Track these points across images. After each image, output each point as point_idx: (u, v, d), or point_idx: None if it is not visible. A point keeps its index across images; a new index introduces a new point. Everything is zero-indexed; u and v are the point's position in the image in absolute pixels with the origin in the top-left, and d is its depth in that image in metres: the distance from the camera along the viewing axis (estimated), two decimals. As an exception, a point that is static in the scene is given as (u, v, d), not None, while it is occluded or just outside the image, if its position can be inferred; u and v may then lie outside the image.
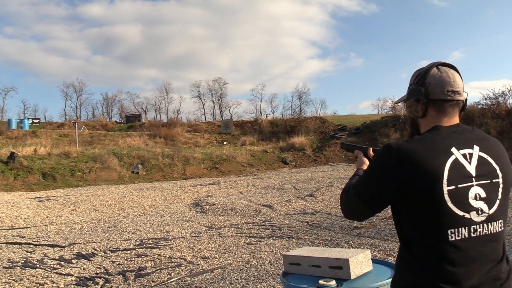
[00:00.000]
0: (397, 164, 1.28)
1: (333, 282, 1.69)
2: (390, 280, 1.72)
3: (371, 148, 1.81)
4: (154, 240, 6.25)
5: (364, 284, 1.69)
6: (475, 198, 1.28)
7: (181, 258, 5.22)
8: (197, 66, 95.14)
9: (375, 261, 1.97)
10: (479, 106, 22.46)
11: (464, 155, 1.30)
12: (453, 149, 1.30)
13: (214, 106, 66.70)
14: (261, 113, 60.21)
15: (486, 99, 23.08)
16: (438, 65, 1.44)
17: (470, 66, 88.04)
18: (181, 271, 4.72)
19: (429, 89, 1.40)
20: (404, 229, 1.34)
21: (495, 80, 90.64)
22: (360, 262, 1.80)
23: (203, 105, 66.21)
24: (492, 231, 1.30)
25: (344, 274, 1.75)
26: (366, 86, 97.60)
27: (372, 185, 1.36)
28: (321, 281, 1.70)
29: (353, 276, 1.74)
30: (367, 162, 1.73)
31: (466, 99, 1.46)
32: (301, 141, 25.81)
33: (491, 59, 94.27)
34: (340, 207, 1.52)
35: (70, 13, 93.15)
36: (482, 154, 1.33)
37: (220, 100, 66.87)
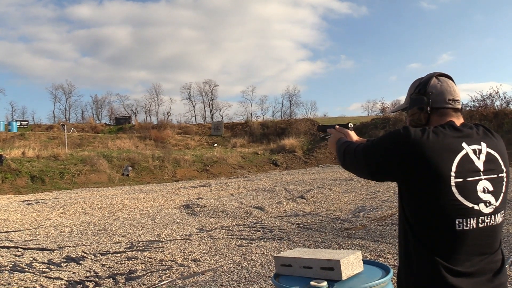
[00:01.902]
0: (406, 151, 1.33)
1: (325, 283, 1.70)
2: (381, 280, 1.73)
3: (337, 126, 1.90)
4: (144, 242, 6.21)
5: (355, 285, 1.70)
6: (483, 191, 1.35)
7: (172, 261, 5.20)
8: (187, 68, 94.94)
9: (366, 262, 1.97)
10: (467, 108, 22.77)
11: (474, 151, 1.37)
12: (464, 144, 1.36)
13: (204, 108, 66.53)
14: (251, 115, 60.23)
15: (474, 101, 23.45)
16: (437, 75, 1.52)
17: (458, 69, 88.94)
18: (172, 273, 4.70)
19: (432, 98, 1.48)
20: (409, 214, 1.39)
21: (483, 82, 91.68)
22: (351, 263, 1.81)
23: (194, 107, 66.08)
24: (498, 222, 1.39)
25: (335, 275, 1.75)
26: (356, 88, 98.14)
27: (377, 154, 1.42)
28: (312, 282, 1.71)
29: (344, 277, 1.75)
30: (346, 131, 1.81)
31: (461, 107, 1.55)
32: (292, 143, 25.90)
33: (479, 62, 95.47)
34: (340, 162, 1.65)
35: (58, 14, 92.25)
36: (489, 150, 1.40)
37: (211, 102, 66.75)
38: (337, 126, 1.88)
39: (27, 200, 11.73)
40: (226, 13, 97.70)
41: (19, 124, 36.80)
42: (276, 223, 7.41)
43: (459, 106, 1.50)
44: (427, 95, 1.48)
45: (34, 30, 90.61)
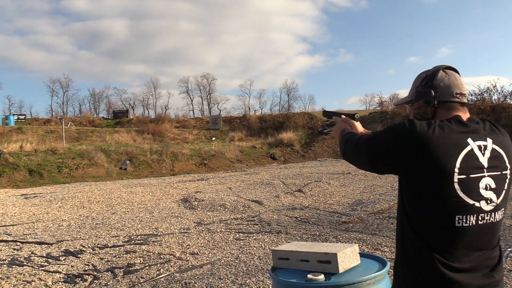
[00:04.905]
0: (411, 145, 1.30)
1: (322, 276, 1.71)
2: (377, 273, 1.74)
3: (343, 115, 1.85)
4: (142, 236, 6.23)
5: (352, 278, 1.71)
6: (485, 188, 1.33)
7: (170, 254, 5.21)
8: (185, 61, 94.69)
9: (362, 255, 1.99)
10: (465, 102, 22.77)
11: (479, 147, 1.34)
12: (469, 140, 1.33)
13: (202, 102, 66.46)
14: (249, 108, 60.15)
15: (471, 95, 23.46)
16: (443, 68, 1.48)
17: (457, 63, 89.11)
18: (170, 267, 4.72)
19: (439, 91, 1.44)
20: (408, 209, 1.38)
21: (481, 76, 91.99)
22: (348, 256, 1.82)
23: (192, 101, 65.98)
24: (497, 219, 1.37)
25: (332, 268, 1.76)
26: (355, 82, 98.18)
27: (381, 147, 1.39)
28: (309, 276, 1.72)
29: (341, 270, 1.76)
30: (352, 121, 1.77)
31: None
32: (290, 136, 25.90)
33: (477, 56, 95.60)
34: (341, 153, 1.61)
35: (54, 7, 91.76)
36: (495, 146, 1.37)
37: (209, 96, 66.64)
38: (343, 116, 1.83)
39: (25, 194, 11.73)
40: (224, 5, 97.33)
41: (16, 118, 36.66)
42: (274, 216, 7.43)
43: (466, 100, 1.47)
44: (434, 88, 1.44)
45: (30, 23, 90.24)
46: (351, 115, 1.84)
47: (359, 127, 1.76)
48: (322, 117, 30.32)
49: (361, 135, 1.54)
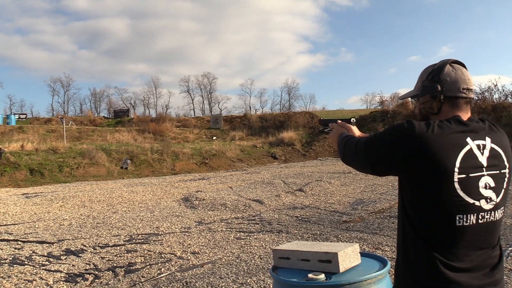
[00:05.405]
0: (410, 146, 1.30)
1: (322, 276, 1.71)
2: (378, 273, 1.74)
3: (339, 120, 1.86)
4: (143, 235, 6.23)
5: (353, 277, 1.71)
6: (485, 187, 1.33)
7: (171, 254, 5.22)
8: (186, 61, 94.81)
9: (363, 254, 1.99)
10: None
11: (478, 146, 1.34)
12: (468, 139, 1.33)
13: (203, 101, 66.59)
14: (250, 108, 60.32)
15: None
16: (450, 62, 1.47)
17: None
18: (171, 266, 4.72)
19: (446, 86, 1.43)
20: (409, 208, 1.38)
21: (482, 75, 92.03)
22: (348, 255, 1.82)
23: (192, 100, 66.11)
24: (497, 218, 1.37)
25: (333, 267, 1.76)
26: (355, 81, 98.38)
27: (380, 148, 1.38)
28: (310, 275, 1.72)
29: (341, 269, 1.76)
30: (349, 125, 1.77)
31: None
32: (291, 136, 25.88)
33: (478, 55, 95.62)
34: (340, 157, 1.60)
35: (54, 6, 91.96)
36: (493, 145, 1.37)
37: (209, 95, 66.77)
38: (339, 121, 1.83)
39: (26, 193, 11.74)
40: (225, 4, 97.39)
41: (17, 117, 36.71)
42: (275, 216, 7.43)
43: (472, 96, 1.46)
44: (441, 82, 1.43)
45: (30, 22, 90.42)
46: (347, 120, 1.86)
47: (355, 131, 1.76)
48: (322, 117, 30.32)
49: (360, 138, 1.54)
